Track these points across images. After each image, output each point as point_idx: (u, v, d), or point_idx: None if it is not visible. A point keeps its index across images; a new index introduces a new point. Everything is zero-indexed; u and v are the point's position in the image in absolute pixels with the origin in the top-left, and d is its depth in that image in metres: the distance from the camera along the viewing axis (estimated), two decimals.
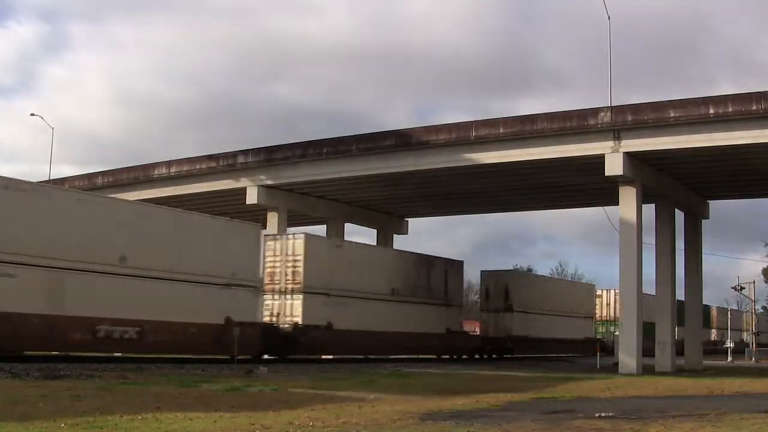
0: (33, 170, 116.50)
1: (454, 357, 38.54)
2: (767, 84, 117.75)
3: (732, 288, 60.32)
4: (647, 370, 30.34)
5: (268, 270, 29.63)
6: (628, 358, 29.94)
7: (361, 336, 31.20)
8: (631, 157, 29.72)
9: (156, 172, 40.08)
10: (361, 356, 32.74)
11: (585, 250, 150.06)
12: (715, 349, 59.62)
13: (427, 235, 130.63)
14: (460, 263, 39.81)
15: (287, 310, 29.37)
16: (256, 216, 37.34)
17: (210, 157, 38.67)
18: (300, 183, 37.12)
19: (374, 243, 44.63)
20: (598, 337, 54.53)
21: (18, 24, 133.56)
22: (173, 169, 39.47)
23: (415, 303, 35.30)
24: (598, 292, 55.22)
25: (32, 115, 47.64)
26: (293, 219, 40.29)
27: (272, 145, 37.25)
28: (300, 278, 29.42)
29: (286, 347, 28.38)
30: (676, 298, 36.60)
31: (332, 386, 17.96)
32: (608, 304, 54.06)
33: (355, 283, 31.81)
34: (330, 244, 33.02)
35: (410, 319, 34.64)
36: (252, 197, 37.23)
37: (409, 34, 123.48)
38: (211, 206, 37.49)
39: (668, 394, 18.51)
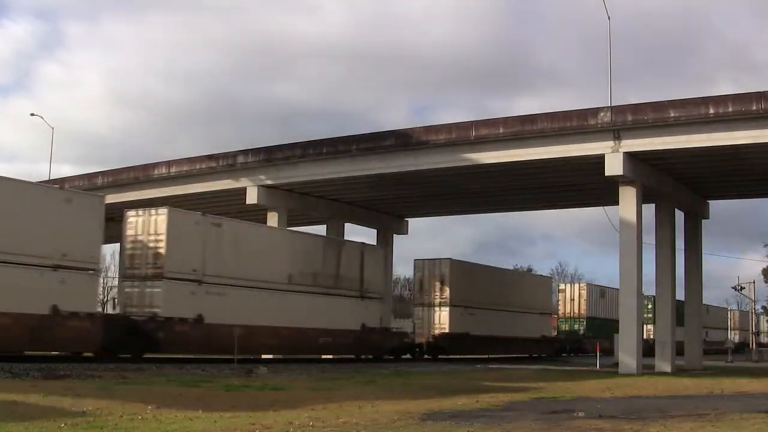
0: (30, 170, 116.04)
1: (372, 358, 33.55)
2: (766, 83, 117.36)
3: (732, 288, 60.40)
4: (647, 370, 30.33)
5: (128, 252, 25.72)
6: (628, 358, 29.91)
7: (245, 332, 25.21)
8: (631, 157, 29.70)
9: (156, 172, 40.07)
10: (240, 357, 25.67)
11: (585, 250, 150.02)
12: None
13: (427, 235, 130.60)
14: (382, 249, 35.84)
15: (147, 299, 24.92)
16: (257, 216, 37.35)
17: (210, 157, 38.66)
18: (300, 183, 37.10)
19: (374, 243, 44.57)
20: (558, 335, 52.13)
21: (12, 22, 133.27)
22: (173, 169, 39.46)
23: (319, 293, 30.25)
24: (561, 287, 53.01)
25: (32, 115, 47.57)
26: (293, 219, 40.27)
27: (272, 145, 37.25)
28: (162, 261, 24.85)
29: (140, 343, 24.27)
30: (673, 297, 36.50)
31: (332, 386, 17.96)
32: (572, 299, 51.10)
33: (237, 270, 26.99)
34: (204, 221, 26.93)
35: (313, 313, 29.53)
36: (252, 197, 37.20)
37: (407, 33, 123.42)
38: (211, 206, 37.44)
39: (668, 394, 18.52)
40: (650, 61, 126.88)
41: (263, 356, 29.34)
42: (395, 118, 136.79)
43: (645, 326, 54.40)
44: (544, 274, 52.96)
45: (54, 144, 79.63)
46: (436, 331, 37.16)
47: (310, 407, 12.86)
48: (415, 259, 39.69)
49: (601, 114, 29.67)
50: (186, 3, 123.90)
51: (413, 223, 47.41)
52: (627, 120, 29.24)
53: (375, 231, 45.20)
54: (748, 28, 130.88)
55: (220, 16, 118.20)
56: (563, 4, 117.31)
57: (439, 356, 36.79)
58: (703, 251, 38.96)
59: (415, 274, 39.27)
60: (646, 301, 55.52)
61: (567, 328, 50.52)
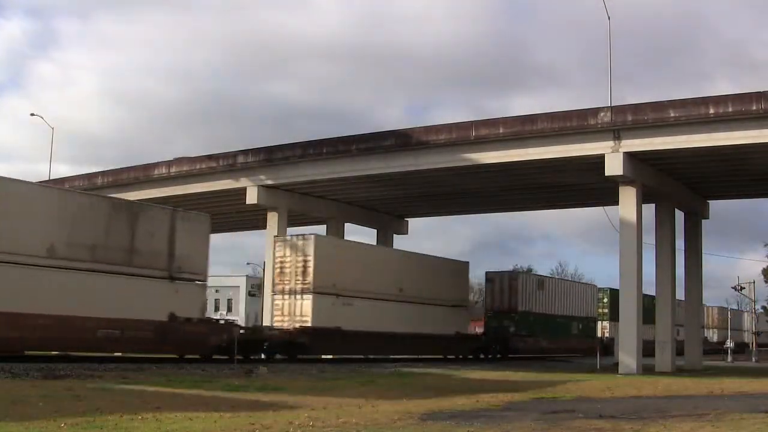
0: (28, 169, 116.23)
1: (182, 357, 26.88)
2: (765, 81, 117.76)
3: (732, 288, 60.35)
4: (647, 370, 30.34)
5: None
6: (628, 358, 29.92)
7: None
8: (631, 157, 29.71)
9: (156, 172, 40.09)
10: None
11: (585, 250, 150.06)
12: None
13: (426, 234, 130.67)
14: (206, 218, 27.80)
15: None
16: (256, 216, 37.33)
17: (210, 157, 38.67)
18: (300, 183, 37.11)
19: (374, 243, 44.54)
20: (479, 332, 44.98)
21: (6, 20, 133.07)
22: (173, 169, 39.47)
23: (99, 271, 23.10)
24: (490, 276, 44.49)
25: (32, 114, 47.52)
26: (293, 219, 40.28)
27: (272, 144, 37.27)
28: None
29: None
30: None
31: (332, 386, 17.96)
32: (502, 291, 42.87)
33: None
34: None
35: (88, 297, 22.60)
36: (252, 197, 37.22)
37: (403, 32, 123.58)
38: (211, 206, 37.46)
39: (668, 394, 18.52)
40: (648, 60, 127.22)
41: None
42: (392, 117, 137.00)
43: (600, 323, 51.50)
44: (459, 259, 42.23)
45: (50, 143, 79.78)
46: (297, 325, 29.82)
47: (310, 407, 12.87)
48: (274, 236, 32.80)
49: (601, 114, 29.67)
50: (180, 1, 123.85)
51: (413, 222, 47.46)
52: (627, 120, 29.25)
53: (375, 231, 45.24)
54: (746, 26, 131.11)
55: (215, 15, 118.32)
56: (561, 3, 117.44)
57: (299, 356, 29.66)
58: (703, 251, 38.98)
59: (274, 254, 31.56)
60: (601, 294, 52.72)
61: (496, 325, 42.39)
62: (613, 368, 30.54)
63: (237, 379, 19.32)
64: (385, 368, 27.62)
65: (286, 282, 30.81)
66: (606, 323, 51.83)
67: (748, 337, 70.70)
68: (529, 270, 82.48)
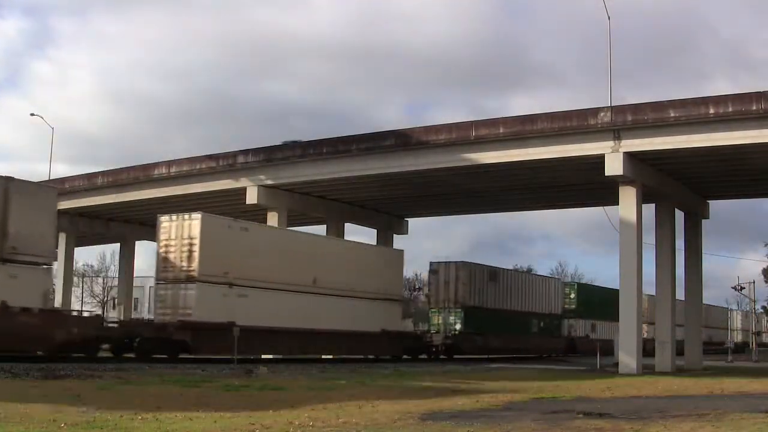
0: (24, 168, 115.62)
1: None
2: (763, 80, 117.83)
3: (732, 288, 60.38)
4: (647, 370, 30.34)
5: None
6: (628, 358, 29.92)
7: None
8: (631, 157, 29.72)
9: (156, 172, 40.09)
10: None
11: (585, 250, 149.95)
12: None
13: (425, 234, 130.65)
14: (51, 190, 25.73)
15: None
16: (256, 216, 37.32)
17: (210, 157, 38.68)
18: (300, 183, 37.12)
19: (374, 243, 44.56)
20: (419, 330, 42.28)
21: (2, 20, 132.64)
22: (173, 169, 39.48)
23: None
24: (434, 267, 40.21)
25: (32, 114, 47.51)
26: (293, 219, 40.28)
27: (272, 145, 37.28)
28: None
29: None
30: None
31: (332, 386, 17.96)
32: (447, 283, 38.56)
33: None
34: None
35: None
36: (252, 197, 37.22)
37: (401, 30, 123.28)
38: (211, 206, 37.47)
39: (668, 394, 18.52)
40: (647, 59, 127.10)
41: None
42: (391, 116, 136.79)
43: (567, 321, 47.98)
44: (396, 248, 37.92)
45: (47, 143, 79.63)
46: (178, 319, 25.55)
47: (310, 407, 12.86)
48: (159, 216, 27.52)
49: (601, 114, 29.68)
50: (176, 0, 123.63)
51: (413, 222, 47.47)
52: (627, 120, 29.26)
53: (375, 231, 45.24)
54: (745, 25, 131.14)
55: (211, 14, 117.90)
56: (560, 2, 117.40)
57: (180, 355, 25.82)
58: (703, 251, 38.99)
59: (159, 235, 26.86)
60: (568, 289, 50.15)
61: (440, 321, 37.92)
62: (613, 368, 30.56)
63: (237, 379, 19.31)
64: (385, 368, 27.63)
65: (170, 269, 26.19)
66: (574, 321, 48.85)
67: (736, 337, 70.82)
68: (529, 270, 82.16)
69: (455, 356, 37.70)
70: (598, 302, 49.85)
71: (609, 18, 31.11)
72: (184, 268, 25.82)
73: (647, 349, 34.79)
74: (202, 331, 25.49)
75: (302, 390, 16.77)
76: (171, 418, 10.84)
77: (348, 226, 43.83)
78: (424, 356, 36.61)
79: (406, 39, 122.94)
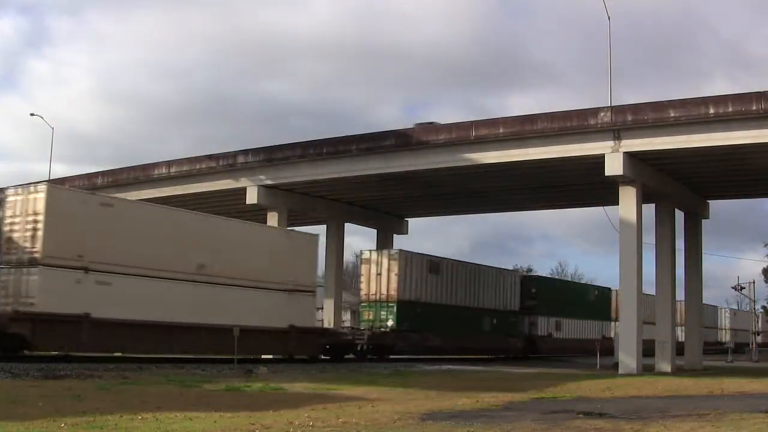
0: (22, 168, 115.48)
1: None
2: (761, 78, 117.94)
3: (732, 288, 60.40)
4: (647, 370, 30.34)
5: None
6: (628, 358, 29.93)
7: None
8: (631, 157, 29.73)
9: (156, 171, 40.12)
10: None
11: (584, 250, 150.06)
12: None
13: (425, 234, 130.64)
14: None
15: None
16: (256, 216, 37.34)
17: (210, 157, 38.71)
18: (300, 183, 37.13)
19: (374, 243, 44.60)
20: (347, 326, 39.36)
21: None
22: (173, 169, 39.50)
23: None
24: (365, 255, 35.91)
25: (32, 114, 47.50)
26: (293, 219, 40.29)
27: (272, 145, 37.30)
28: None
29: None
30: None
31: (332, 386, 17.96)
32: (379, 275, 34.32)
33: None
34: None
35: None
36: (252, 197, 37.24)
37: (400, 29, 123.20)
38: (211, 206, 37.48)
39: (668, 394, 18.52)
40: (646, 58, 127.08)
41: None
42: (389, 115, 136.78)
43: (527, 318, 43.16)
44: (309, 233, 33.10)
45: (45, 142, 79.66)
46: (17, 308, 21.75)
47: (310, 407, 12.86)
48: (5, 190, 24.20)
49: (601, 114, 29.70)
50: None
51: (413, 222, 47.49)
52: (627, 120, 29.28)
53: (375, 231, 45.27)
54: (743, 24, 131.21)
55: (210, 13, 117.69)
56: (557, 1, 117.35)
57: (20, 353, 22.13)
58: (702, 251, 39.00)
59: (3, 214, 22.86)
60: (529, 283, 45.17)
61: (371, 317, 33.95)
62: (614, 368, 30.56)
63: (237, 379, 19.32)
64: (385, 368, 27.64)
65: (13, 251, 22.43)
66: (535, 318, 43.96)
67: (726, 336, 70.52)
68: (530, 270, 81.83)
69: (390, 356, 33.29)
70: (565, 298, 46.93)
71: (609, 18, 31.17)
72: (27, 250, 22.02)
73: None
74: (46, 323, 21.47)
75: (302, 390, 16.78)
76: (171, 418, 10.84)
77: (348, 226, 43.88)
78: (352, 356, 32.27)
79: (404, 38, 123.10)
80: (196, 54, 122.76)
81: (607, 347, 39.98)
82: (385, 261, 34.54)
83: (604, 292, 52.53)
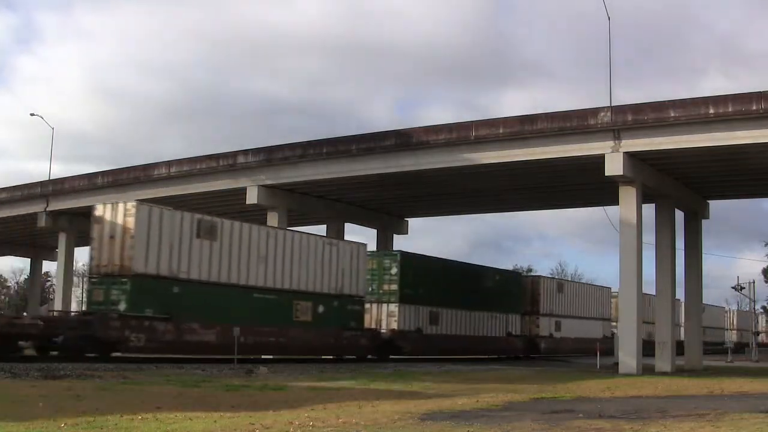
0: (13, 167, 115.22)
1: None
2: (756, 73, 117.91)
3: (732, 288, 60.40)
4: (647, 371, 30.34)
5: None
6: (628, 358, 29.92)
7: None
8: (631, 157, 29.74)
9: (156, 172, 40.16)
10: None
11: (584, 249, 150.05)
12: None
13: (424, 234, 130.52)
14: None
15: None
16: (256, 216, 37.35)
17: (210, 157, 38.74)
18: (300, 183, 37.14)
19: (374, 243, 44.56)
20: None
21: None
22: (173, 169, 39.54)
23: None
24: (97, 211, 25.25)
25: (32, 115, 47.42)
26: (293, 219, 40.29)
27: (272, 145, 37.32)
28: None
29: None
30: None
31: (332, 386, 17.96)
32: (112, 237, 24.46)
33: None
34: None
35: None
36: (252, 197, 37.26)
37: (391, 27, 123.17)
38: (211, 206, 37.50)
39: (668, 394, 18.52)
40: (640, 54, 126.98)
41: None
42: (382, 113, 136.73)
43: (386, 306, 33.52)
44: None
45: (38, 141, 79.32)
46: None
47: (310, 407, 12.86)
48: None
49: (601, 114, 29.70)
50: None
51: (412, 222, 47.48)
52: (627, 120, 29.28)
53: (375, 231, 45.26)
54: (737, 19, 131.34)
55: (201, 10, 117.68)
56: None
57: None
58: (702, 251, 39.00)
59: None
60: (388, 262, 34.45)
61: (101, 299, 24.52)
62: (614, 368, 30.55)
63: (237, 379, 19.32)
64: (385, 368, 27.63)
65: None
66: (395, 307, 33.58)
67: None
68: (529, 270, 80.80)
69: (120, 354, 24.71)
70: (447, 284, 36.74)
71: (609, 18, 31.17)
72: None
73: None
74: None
75: (302, 390, 16.78)
76: (171, 418, 10.84)
77: (348, 226, 43.88)
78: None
79: (396, 35, 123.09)
80: (186, 52, 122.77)
81: (507, 347, 37.43)
82: (120, 216, 24.49)
83: (514, 279, 44.65)
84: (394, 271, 34.16)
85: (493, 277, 41.68)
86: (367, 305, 32.91)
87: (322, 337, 29.64)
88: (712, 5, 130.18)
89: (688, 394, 18.59)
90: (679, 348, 36.87)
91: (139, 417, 10.76)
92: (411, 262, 35.23)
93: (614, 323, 51.38)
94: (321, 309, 29.74)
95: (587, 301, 49.24)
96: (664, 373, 30.33)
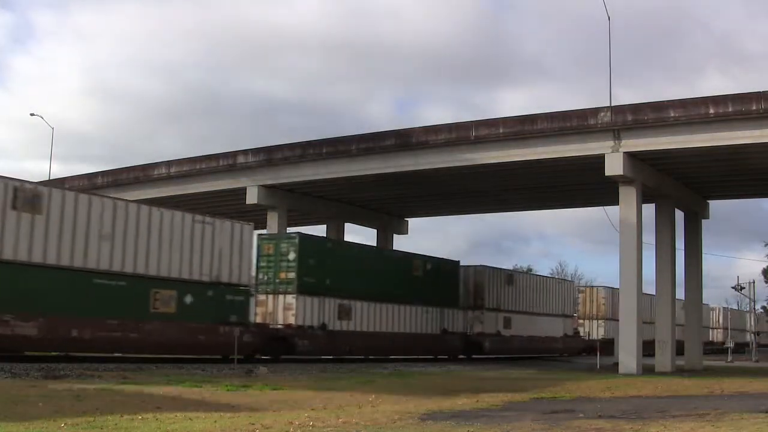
0: (10, 167, 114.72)
1: None
2: (754, 72, 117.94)
3: (732, 288, 60.33)
4: (647, 371, 30.34)
5: None
6: (628, 358, 29.91)
7: None
8: (631, 157, 29.74)
9: (156, 172, 40.14)
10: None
11: (584, 249, 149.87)
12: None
13: (423, 234, 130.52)
14: None
15: None
16: (256, 216, 37.35)
17: (210, 157, 38.74)
18: (300, 183, 37.14)
19: (374, 243, 44.58)
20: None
21: None
22: (173, 169, 39.52)
23: None
24: None
25: (32, 114, 47.44)
26: (293, 219, 40.28)
27: (272, 144, 37.32)
28: None
29: None
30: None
31: (332, 386, 17.97)
32: None
33: None
34: None
35: None
36: (252, 197, 37.27)
37: (390, 25, 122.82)
38: (211, 206, 37.50)
39: (668, 394, 18.52)
40: (639, 53, 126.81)
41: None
42: (380, 111, 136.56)
43: (283, 298, 27.72)
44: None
45: (37, 140, 79.14)
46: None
47: (310, 407, 12.87)
48: None
49: (601, 114, 29.70)
50: None
51: (412, 222, 47.48)
52: (627, 120, 29.28)
53: (375, 231, 45.28)
54: (735, 18, 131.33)
55: (199, 9, 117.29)
56: None
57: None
58: (702, 251, 39.00)
59: None
60: (285, 246, 29.07)
61: None
62: (613, 368, 30.55)
63: (237, 379, 19.32)
64: (385, 368, 27.64)
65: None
66: (292, 298, 28.64)
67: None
68: (529, 270, 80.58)
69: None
70: (362, 273, 31.94)
71: (609, 18, 31.16)
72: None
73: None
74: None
75: (302, 390, 16.78)
76: (171, 418, 10.84)
77: (348, 225, 43.88)
78: None
79: (395, 34, 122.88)
80: (186, 51, 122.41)
81: (443, 346, 34.54)
82: None
83: (451, 269, 37.86)
84: (291, 256, 29.14)
85: (423, 266, 35.81)
86: (262, 297, 28.75)
87: (189, 333, 24.18)
88: (711, 5, 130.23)
89: (688, 394, 18.60)
90: (680, 348, 36.84)
91: (139, 417, 10.77)
92: (313, 246, 30.46)
93: (581, 320, 49.56)
94: (189, 299, 24.32)
95: (545, 296, 43.80)
96: (664, 373, 30.34)
